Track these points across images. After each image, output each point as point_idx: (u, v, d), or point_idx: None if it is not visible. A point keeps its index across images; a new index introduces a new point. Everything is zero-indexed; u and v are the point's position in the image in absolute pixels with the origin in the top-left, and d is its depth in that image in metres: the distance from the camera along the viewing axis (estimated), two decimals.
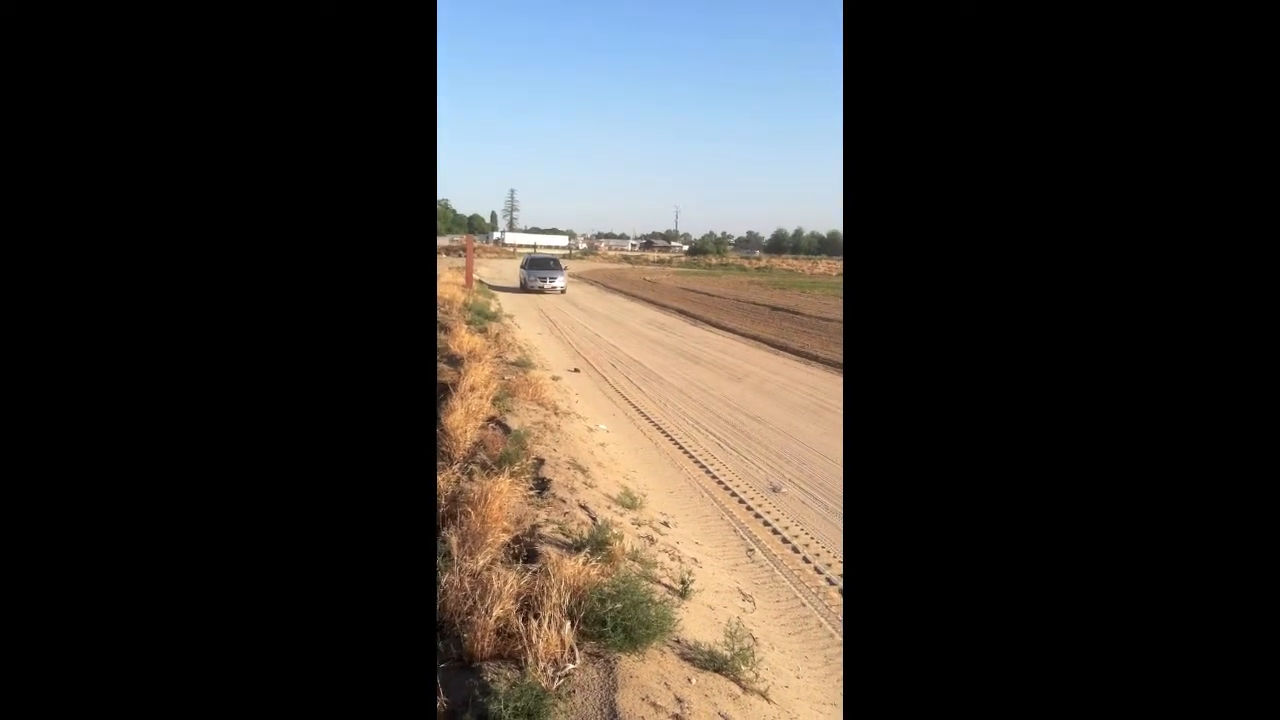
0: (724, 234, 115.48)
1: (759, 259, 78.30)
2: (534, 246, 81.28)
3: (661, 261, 68.75)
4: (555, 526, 4.11)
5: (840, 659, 3.48)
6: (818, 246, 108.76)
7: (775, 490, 5.88)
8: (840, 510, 5.43)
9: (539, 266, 27.06)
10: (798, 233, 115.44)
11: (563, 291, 25.73)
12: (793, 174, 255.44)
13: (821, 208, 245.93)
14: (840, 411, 8.70)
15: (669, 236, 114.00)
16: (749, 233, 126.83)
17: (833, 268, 60.76)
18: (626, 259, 70.91)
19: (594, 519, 4.35)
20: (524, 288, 25.91)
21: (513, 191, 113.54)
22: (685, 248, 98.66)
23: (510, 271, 34.47)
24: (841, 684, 3.28)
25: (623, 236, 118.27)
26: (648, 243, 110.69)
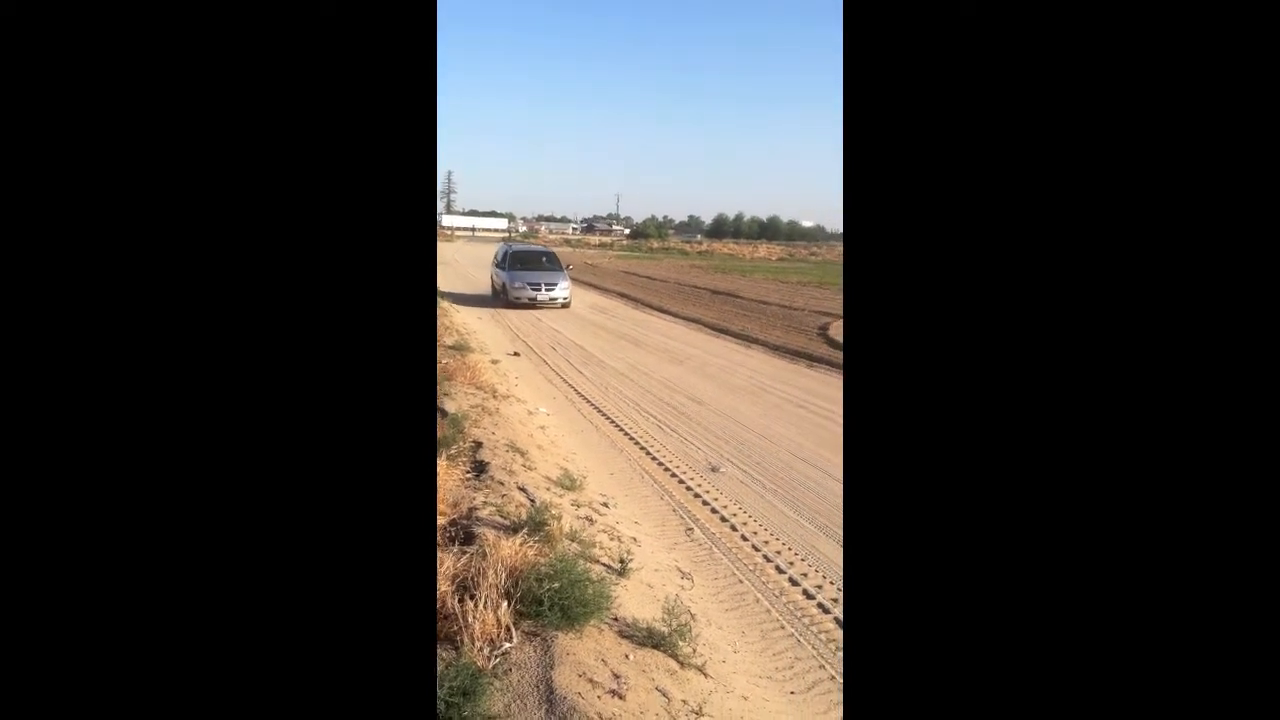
0: (665, 218, 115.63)
1: (700, 243, 78.57)
2: (472, 230, 79.24)
3: (603, 245, 68.56)
4: (493, 509, 4.08)
5: (776, 633, 3.55)
6: (758, 231, 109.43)
7: (714, 470, 5.94)
8: (776, 488, 5.52)
9: (526, 265, 17.69)
10: (738, 217, 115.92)
11: (565, 305, 16.81)
12: (734, 159, 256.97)
13: (762, 193, 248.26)
14: (778, 392, 8.86)
15: (610, 220, 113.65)
16: (690, 217, 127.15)
17: (772, 252, 61.46)
18: (568, 242, 70.53)
19: (532, 501, 4.34)
20: (501, 298, 17.27)
21: (450, 174, 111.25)
22: (627, 231, 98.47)
23: (460, 260, 32.47)
24: (777, 657, 3.35)
25: (564, 220, 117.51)
26: (589, 226, 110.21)
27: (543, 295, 16.60)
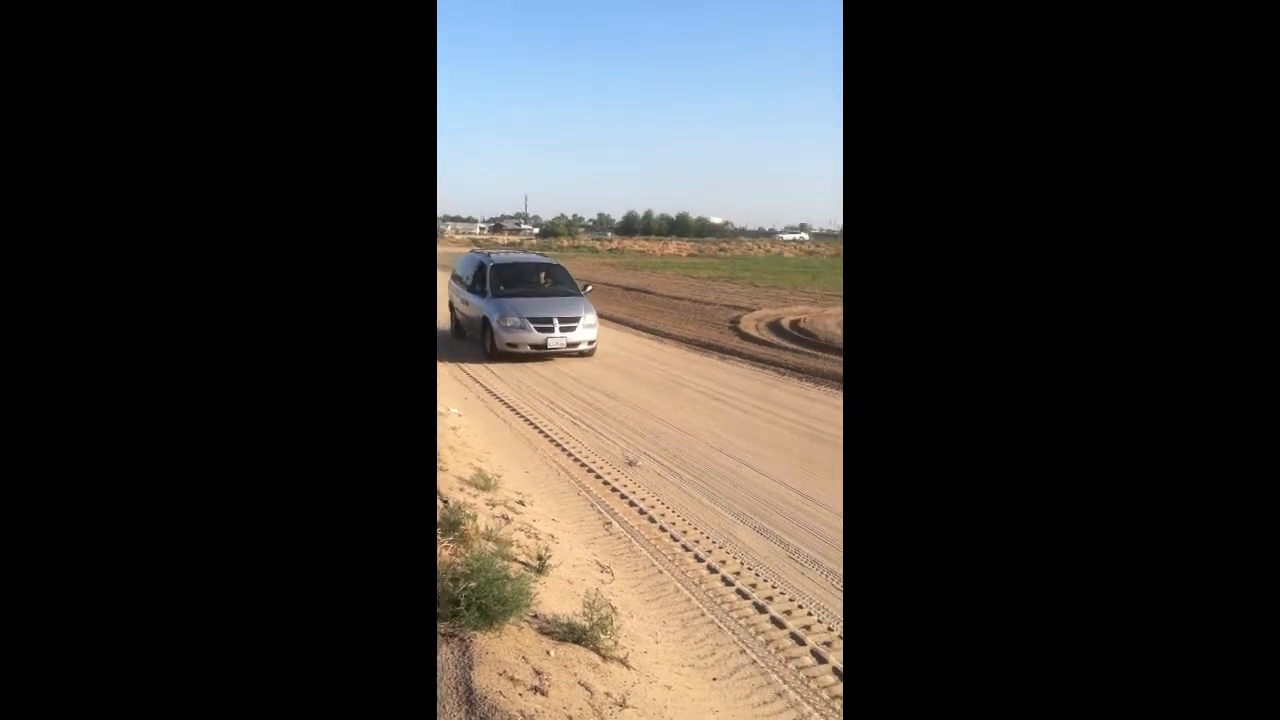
0: (575, 216, 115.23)
1: (610, 240, 78.55)
2: None
3: (512, 245, 67.74)
4: None
5: (697, 621, 3.56)
6: (668, 228, 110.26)
7: (631, 464, 5.93)
8: (694, 479, 5.56)
9: (518, 287, 11.00)
10: (648, 215, 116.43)
11: (589, 350, 10.43)
12: (644, 155, 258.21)
13: (670, 190, 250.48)
14: (693, 385, 8.92)
15: (519, 219, 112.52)
16: (600, 215, 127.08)
17: (682, 248, 62.01)
18: (475, 242, 69.42)
19: (445, 501, 4.23)
20: (482, 344, 10.56)
21: None
22: (536, 230, 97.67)
23: None
24: (698, 645, 3.36)
25: (470, 219, 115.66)
26: (497, 225, 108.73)
27: (555, 338, 10.02)
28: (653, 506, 5.02)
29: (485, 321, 10.48)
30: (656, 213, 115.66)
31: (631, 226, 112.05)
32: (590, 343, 10.34)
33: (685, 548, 4.39)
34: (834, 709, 2.90)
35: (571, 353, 10.29)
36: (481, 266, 11.39)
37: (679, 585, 3.92)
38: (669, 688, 2.95)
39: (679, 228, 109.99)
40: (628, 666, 2.96)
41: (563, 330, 10.11)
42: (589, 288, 11.92)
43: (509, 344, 10.09)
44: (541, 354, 10.16)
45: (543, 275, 11.71)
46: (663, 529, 4.66)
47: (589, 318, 10.40)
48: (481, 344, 10.66)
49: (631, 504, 5.07)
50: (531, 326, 10.07)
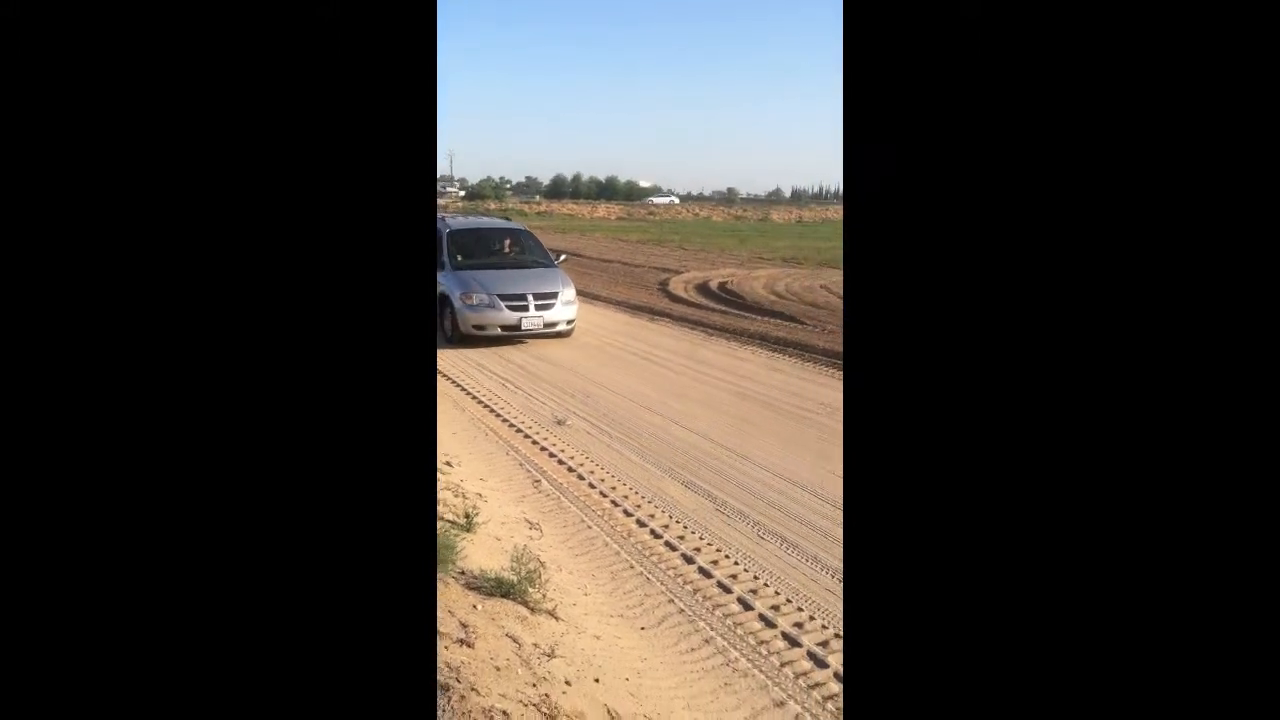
0: (502, 178, 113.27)
1: (539, 203, 77.58)
2: None
3: (439, 207, 66.17)
4: None
5: (626, 574, 3.58)
6: (596, 191, 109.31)
7: (560, 423, 5.91)
8: (624, 437, 5.57)
9: (480, 258, 9.57)
10: (576, 178, 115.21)
11: (567, 331, 9.12)
12: (571, 118, 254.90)
13: (599, 154, 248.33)
14: (621, 346, 8.93)
15: (445, 180, 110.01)
16: (527, 178, 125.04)
17: (611, 211, 61.75)
18: None
19: None
20: (442, 328, 8.90)
21: None
22: (462, 193, 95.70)
23: None
24: (627, 595, 3.39)
25: None
26: None
27: (530, 318, 8.60)
28: (582, 464, 5.02)
29: (445, 299, 8.79)
30: (585, 175, 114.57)
31: (560, 189, 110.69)
32: (569, 322, 8.96)
33: (614, 503, 4.41)
34: (760, 654, 2.97)
35: (548, 334, 8.84)
36: (440, 237, 9.50)
37: (608, 539, 3.94)
38: (598, 638, 2.98)
39: (608, 191, 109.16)
40: (556, 618, 2.97)
41: (538, 309, 8.62)
42: (563, 257, 10.51)
43: (475, 326, 8.56)
44: (513, 337, 8.70)
45: (508, 243, 10.21)
46: (592, 485, 4.67)
47: (567, 293, 8.96)
48: (440, 325, 8.83)
49: (561, 462, 5.07)
50: (502, 305, 8.54)
